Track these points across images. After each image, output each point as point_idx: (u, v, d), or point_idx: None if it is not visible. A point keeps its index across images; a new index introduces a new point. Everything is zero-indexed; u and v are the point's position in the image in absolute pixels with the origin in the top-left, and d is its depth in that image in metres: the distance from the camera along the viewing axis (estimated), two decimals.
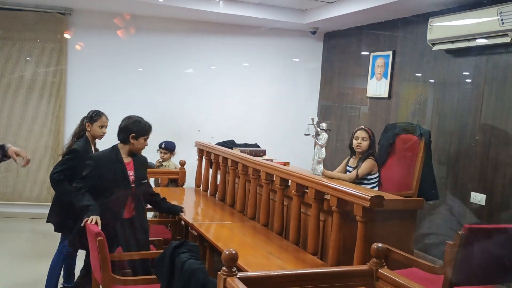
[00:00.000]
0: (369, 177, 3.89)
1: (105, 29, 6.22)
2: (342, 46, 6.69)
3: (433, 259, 4.56)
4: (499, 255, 2.48)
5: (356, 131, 4.10)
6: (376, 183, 3.93)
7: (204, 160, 4.92)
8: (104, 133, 3.84)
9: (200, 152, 4.99)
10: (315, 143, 3.54)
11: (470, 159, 4.57)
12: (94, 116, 3.77)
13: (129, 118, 3.32)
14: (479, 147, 4.48)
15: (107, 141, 3.60)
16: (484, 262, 2.50)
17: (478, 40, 4.37)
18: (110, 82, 6.30)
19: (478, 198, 4.43)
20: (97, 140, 3.87)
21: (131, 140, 3.25)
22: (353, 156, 4.10)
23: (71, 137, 3.82)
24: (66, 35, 6.09)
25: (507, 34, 4.07)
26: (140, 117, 3.33)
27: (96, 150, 3.96)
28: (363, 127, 4.11)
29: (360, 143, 4.00)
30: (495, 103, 4.40)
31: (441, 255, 4.61)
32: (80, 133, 3.77)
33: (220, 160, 4.45)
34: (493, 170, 4.32)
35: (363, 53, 6.19)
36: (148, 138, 3.32)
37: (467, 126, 4.64)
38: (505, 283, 2.73)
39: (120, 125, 3.32)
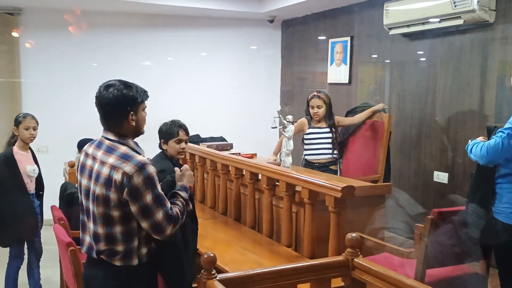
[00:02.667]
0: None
1: (57, 27, 6.03)
2: (300, 33, 6.72)
3: (403, 239, 4.69)
4: (466, 235, 2.58)
5: (310, 100, 4.33)
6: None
7: None
8: (31, 135, 3.63)
9: None
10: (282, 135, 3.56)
11: (431, 139, 4.71)
12: (19, 119, 3.61)
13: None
14: (439, 127, 4.62)
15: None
16: (453, 243, 2.60)
17: (432, 24, 4.48)
18: (66, 80, 6.14)
19: (441, 176, 4.58)
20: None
21: (164, 146, 3.05)
22: (312, 121, 4.37)
23: (5, 146, 3.68)
24: (17, 35, 5.87)
25: (460, 17, 4.18)
26: (169, 121, 3.10)
27: (33, 153, 3.81)
28: (315, 94, 4.31)
29: (317, 112, 4.27)
30: (451, 83, 4.53)
31: (408, 234, 4.76)
32: (10, 140, 3.65)
33: (187, 157, 4.42)
34: (454, 148, 4.47)
35: (321, 39, 6.24)
36: (181, 140, 3.05)
37: (427, 107, 4.77)
38: (472, 261, 2.84)
39: None
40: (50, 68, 6.07)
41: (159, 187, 2.05)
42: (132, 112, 2.10)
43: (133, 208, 2.00)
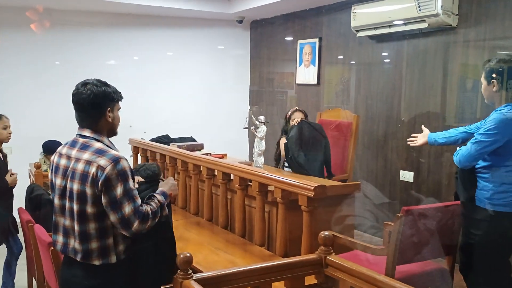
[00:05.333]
0: None
1: (18, 25, 5.87)
2: (269, 34, 6.77)
3: (370, 237, 4.80)
4: (434, 232, 2.68)
5: (292, 113, 4.29)
6: None
7: (140, 158, 4.82)
8: (10, 133, 3.71)
9: (135, 149, 4.88)
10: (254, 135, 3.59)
11: (398, 139, 4.84)
12: None
13: None
14: (405, 127, 4.75)
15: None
16: (422, 240, 2.69)
17: (398, 26, 4.61)
18: (28, 79, 5.98)
19: (406, 175, 4.71)
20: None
21: None
22: None
23: None
24: None
25: (424, 20, 4.32)
26: None
27: (4, 154, 3.78)
28: (297, 108, 4.33)
29: None
30: (416, 85, 4.67)
31: (375, 232, 4.87)
32: None
33: (158, 157, 4.39)
34: (419, 148, 4.60)
35: (290, 40, 6.31)
36: None
37: (393, 108, 4.90)
38: (439, 257, 2.96)
39: None
40: (12, 66, 5.91)
41: (131, 182, 2.07)
42: (109, 109, 2.16)
43: (104, 200, 2.01)
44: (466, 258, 2.87)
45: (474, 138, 2.75)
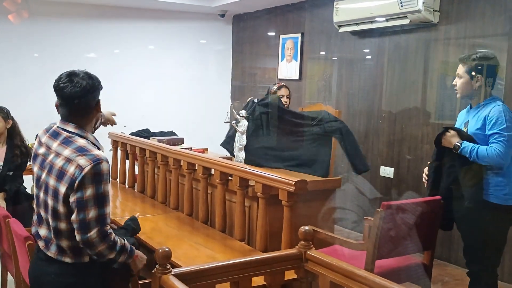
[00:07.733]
0: None
1: None
2: (251, 29, 6.74)
3: (350, 232, 4.83)
4: (414, 227, 2.69)
5: (278, 89, 4.09)
6: None
7: (119, 152, 4.75)
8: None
9: (115, 143, 4.81)
10: (235, 130, 3.56)
11: (378, 135, 4.86)
12: None
13: None
14: (386, 124, 4.78)
15: None
16: (402, 235, 2.70)
17: (380, 23, 4.62)
18: (5, 71, 5.86)
19: (387, 171, 4.74)
20: None
21: None
22: None
23: None
24: None
25: (406, 16, 4.34)
26: None
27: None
28: (283, 84, 4.16)
29: (286, 101, 4.07)
30: (397, 81, 4.70)
31: (355, 227, 4.90)
32: None
33: (137, 151, 4.33)
34: (399, 144, 4.64)
35: (272, 35, 6.29)
36: None
37: (374, 104, 4.92)
38: (418, 252, 2.98)
39: None
40: None
41: (105, 187, 1.96)
42: (99, 102, 2.08)
43: (71, 198, 1.91)
44: (480, 258, 2.82)
45: (498, 136, 2.63)
